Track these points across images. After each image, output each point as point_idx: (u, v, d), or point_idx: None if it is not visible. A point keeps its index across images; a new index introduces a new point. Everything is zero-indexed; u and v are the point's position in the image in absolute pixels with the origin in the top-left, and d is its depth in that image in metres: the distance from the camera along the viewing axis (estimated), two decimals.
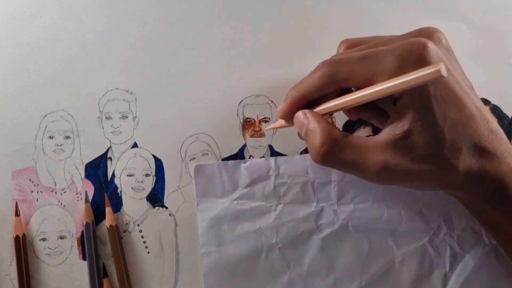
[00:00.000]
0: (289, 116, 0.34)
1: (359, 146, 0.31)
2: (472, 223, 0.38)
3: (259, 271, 0.37)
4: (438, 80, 0.27)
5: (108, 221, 0.37)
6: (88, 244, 0.37)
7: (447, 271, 0.37)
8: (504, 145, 0.31)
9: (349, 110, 0.35)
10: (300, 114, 0.33)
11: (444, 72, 0.25)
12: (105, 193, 0.38)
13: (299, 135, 0.35)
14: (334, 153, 0.31)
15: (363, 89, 0.30)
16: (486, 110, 0.32)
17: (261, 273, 0.37)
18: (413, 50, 0.28)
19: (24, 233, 0.37)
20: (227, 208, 0.38)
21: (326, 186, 0.38)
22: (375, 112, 0.35)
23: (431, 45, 0.29)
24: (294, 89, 0.33)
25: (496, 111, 0.40)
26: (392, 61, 0.29)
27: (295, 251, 0.37)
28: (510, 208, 0.31)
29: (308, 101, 0.33)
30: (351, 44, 0.34)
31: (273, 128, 0.38)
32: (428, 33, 0.31)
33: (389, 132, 0.30)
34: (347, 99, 0.30)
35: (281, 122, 0.35)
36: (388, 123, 0.31)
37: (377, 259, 0.37)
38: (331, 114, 0.39)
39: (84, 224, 0.37)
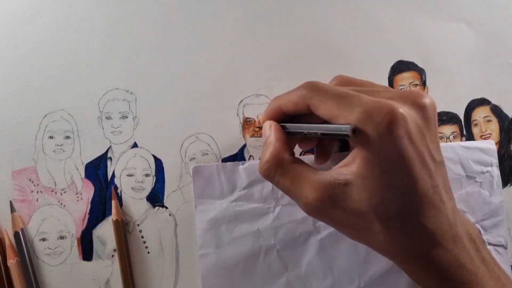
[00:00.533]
0: None
1: (299, 176, 0.31)
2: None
3: (257, 272, 0.37)
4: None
5: (113, 214, 0.37)
6: (21, 253, 0.36)
7: None
8: (447, 228, 0.30)
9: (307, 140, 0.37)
10: (266, 124, 0.34)
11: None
12: (113, 188, 0.38)
13: None
14: (275, 174, 0.32)
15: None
16: (446, 188, 0.30)
17: (259, 275, 0.37)
18: (380, 112, 0.28)
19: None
20: (225, 210, 0.38)
21: None
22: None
23: (399, 113, 0.28)
24: (274, 99, 0.35)
25: (496, 111, 0.40)
26: (357, 112, 0.29)
27: (293, 253, 0.37)
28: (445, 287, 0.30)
29: (286, 114, 0.34)
30: (343, 80, 0.34)
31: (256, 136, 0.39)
32: (416, 97, 0.30)
33: (333, 174, 0.30)
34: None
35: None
36: (338, 165, 0.31)
37: (375, 261, 0.37)
38: None
39: (14, 234, 0.37)
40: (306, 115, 0.33)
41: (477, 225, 0.38)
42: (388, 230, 0.29)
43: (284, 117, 0.34)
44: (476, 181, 0.38)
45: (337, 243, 0.37)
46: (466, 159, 0.38)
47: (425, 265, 0.30)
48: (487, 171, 0.39)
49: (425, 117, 0.30)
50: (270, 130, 0.33)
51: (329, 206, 0.30)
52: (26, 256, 0.37)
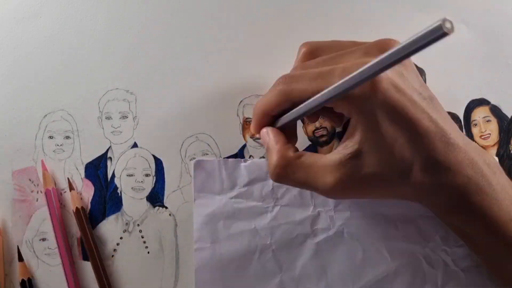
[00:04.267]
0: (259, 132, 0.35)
1: (310, 167, 0.32)
2: None
3: (251, 271, 0.37)
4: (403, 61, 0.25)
5: (73, 204, 0.38)
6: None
7: (439, 286, 0.37)
8: (462, 156, 0.30)
9: (309, 116, 0.36)
10: (263, 131, 0.34)
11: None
12: (68, 178, 0.38)
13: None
14: (286, 174, 0.32)
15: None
16: (446, 120, 0.31)
17: (253, 273, 0.37)
18: None
19: (82, 206, 0.38)
20: (224, 206, 0.38)
21: None
22: (335, 116, 0.36)
23: None
24: (256, 106, 0.34)
25: (495, 111, 0.40)
26: None
27: (289, 254, 0.37)
28: (471, 218, 0.31)
29: (273, 116, 0.34)
30: (311, 49, 0.35)
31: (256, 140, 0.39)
32: (384, 46, 0.31)
33: (340, 150, 0.31)
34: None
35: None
36: (342, 141, 0.32)
37: (370, 268, 0.37)
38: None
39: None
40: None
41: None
42: (407, 180, 0.30)
43: (273, 119, 0.34)
44: None
45: (334, 247, 0.37)
46: None
47: (452, 200, 0.31)
48: None
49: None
50: (268, 136, 0.34)
51: (350, 182, 0.31)
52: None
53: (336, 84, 0.28)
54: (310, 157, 0.32)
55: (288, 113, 0.33)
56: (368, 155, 0.30)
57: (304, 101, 0.31)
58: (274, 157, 0.33)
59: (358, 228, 0.37)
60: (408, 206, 0.37)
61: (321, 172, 0.31)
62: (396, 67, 0.30)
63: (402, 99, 0.30)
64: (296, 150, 0.33)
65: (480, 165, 0.31)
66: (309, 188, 0.33)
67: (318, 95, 0.30)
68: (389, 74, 0.29)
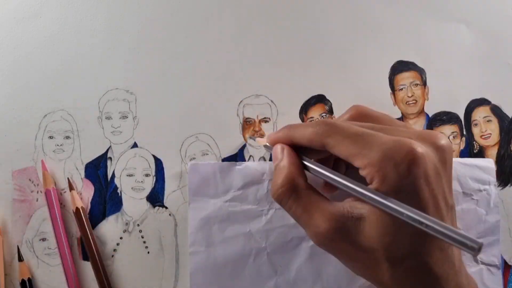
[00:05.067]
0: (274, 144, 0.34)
1: (312, 204, 0.31)
2: None
3: (246, 274, 0.37)
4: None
5: (73, 204, 0.38)
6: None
7: None
8: (451, 265, 0.29)
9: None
10: (278, 147, 0.33)
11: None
12: (68, 179, 0.38)
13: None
14: (288, 199, 0.31)
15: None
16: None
17: (248, 277, 0.37)
18: (400, 152, 0.28)
19: (82, 206, 0.38)
20: (219, 209, 0.38)
21: None
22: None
23: (419, 152, 0.28)
24: (290, 128, 0.33)
25: (496, 111, 0.40)
26: (377, 151, 0.28)
27: (284, 257, 0.37)
28: None
29: (297, 145, 0.33)
30: (360, 112, 0.34)
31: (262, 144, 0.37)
32: (434, 138, 0.30)
33: (348, 206, 0.30)
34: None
35: (264, 141, 0.36)
36: (354, 198, 0.30)
37: None
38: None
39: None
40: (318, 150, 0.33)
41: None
42: (395, 270, 0.29)
43: (293, 147, 0.33)
44: (473, 199, 0.38)
45: None
46: (463, 176, 0.38)
47: None
48: (484, 190, 0.38)
49: (443, 159, 0.30)
50: (282, 154, 0.33)
51: (339, 238, 0.30)
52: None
53: (365, 191, 0.28)
54: (316, 195, 0.31)
55: (315, 164, 0.32)
56: (370, 225, 0.29)
57: (335, 152, 0.30)
58: (282, 177, 0.32)
59: None
60: None
61: (320, 214, 0.30)
62: (437, 164, 0.29)
63: (428, 195, 0.28)
64: (306, 180, 0.32)
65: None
66: (300, 222, 0.32)
67: (348, 183, 0.29)
68: (428, 165, 0.28)
